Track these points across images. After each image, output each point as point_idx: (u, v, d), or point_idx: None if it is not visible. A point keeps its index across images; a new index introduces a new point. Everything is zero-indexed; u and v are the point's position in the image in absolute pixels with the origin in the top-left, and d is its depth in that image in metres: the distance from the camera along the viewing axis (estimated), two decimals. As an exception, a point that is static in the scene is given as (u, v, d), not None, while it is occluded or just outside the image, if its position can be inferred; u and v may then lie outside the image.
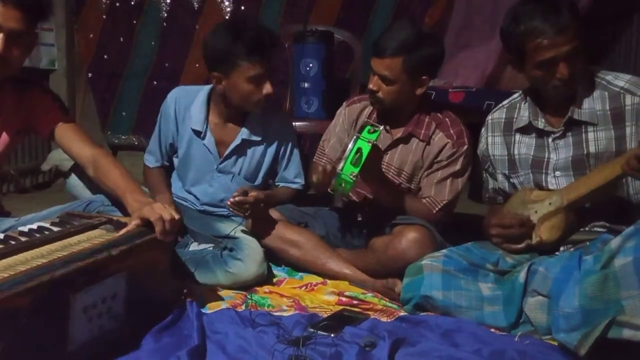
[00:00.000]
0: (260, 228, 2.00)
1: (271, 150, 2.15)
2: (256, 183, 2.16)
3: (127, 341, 1.33)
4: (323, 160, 2.17)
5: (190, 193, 2.18)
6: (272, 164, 2.18)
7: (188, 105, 2.11)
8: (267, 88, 1.97)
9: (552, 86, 1.63)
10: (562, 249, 1.68)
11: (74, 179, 1.85)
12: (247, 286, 1.88)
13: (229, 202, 1.93)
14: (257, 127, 2.10)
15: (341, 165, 1.75)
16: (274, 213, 2.06)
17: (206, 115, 2.10)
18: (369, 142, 1.75)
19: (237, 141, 2.10)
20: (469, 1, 3.59)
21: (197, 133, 2.10)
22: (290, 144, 2.19)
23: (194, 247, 2.06)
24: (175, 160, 2.20)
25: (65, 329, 1.17)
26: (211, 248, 2.00)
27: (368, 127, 1.78)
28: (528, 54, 1.60)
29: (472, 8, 3.56)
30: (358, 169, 1.73)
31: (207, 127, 2.09)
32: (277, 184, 2.23)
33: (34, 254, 1.25)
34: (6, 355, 1.03)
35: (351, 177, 1.73)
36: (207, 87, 2.13)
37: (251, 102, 2.01)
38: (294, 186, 2.23)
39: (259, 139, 2.11)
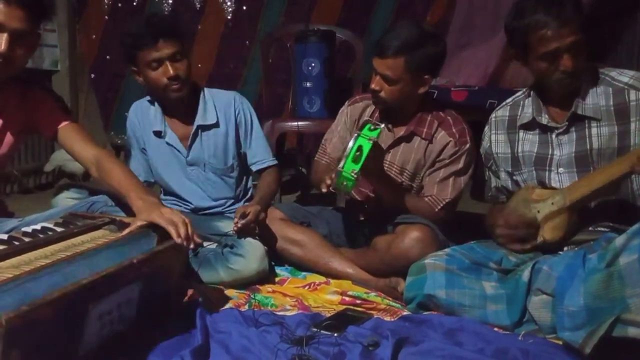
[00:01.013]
0: (264, 230, 2.01)
1: (230, 129, 2.15)
2: (228, 165, 2.16)
3: (132, 341, 1.33)
4: (324, 159, 2.17)
5: (180, 198, 2.18)
6: (236, 144, 2.17)
7: (147, 112, 2.14)
8: (167, 71, 1.97)
9: (556, 79, 1.62)
10: (565, 248, 1.67)
11: (60, 199, 1.87)
12: (249, 283, 1.88)
13: (234, 230, 1.93)
14: (209, 110, 2.11)
15: (342, 163, 1.75)
16: (276, 212, 2.07)
17: (162, 115, 2.12)
18: (369, 139, 1.75)
19: (193, 129, 2.10)
20: (470, 0, 3.59)
21: (159, 134, 2.12)
22: (247, 120, 2.18)
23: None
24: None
25: (79, 336, 1.16)
26: (212, 246, 2.00)
27: (369, 125, 1.78)
28: (532, 46, 1.61)
29: (473, 6, 3.56)
30: (359, 166, 1.73)
31: (165, 125, 2.12)
32: (251, 167, 2.20)
33: (37, 255, 1.25)
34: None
35: (352, 174, 1.73)
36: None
37: (161, 88, 2.02)
38: (268, 163, 2.18)
39: (213, 121, 2.12)
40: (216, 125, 2.13)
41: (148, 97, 2.17)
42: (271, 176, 2.19)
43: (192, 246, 1.44)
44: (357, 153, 1.73)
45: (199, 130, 2.11)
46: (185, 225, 1.42)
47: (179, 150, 2.13)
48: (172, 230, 1.39)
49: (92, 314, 1.16)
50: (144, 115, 2.15)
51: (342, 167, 1.73)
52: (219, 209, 2.18)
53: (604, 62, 1.97)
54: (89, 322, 1.16)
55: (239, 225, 1.90)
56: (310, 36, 2.86)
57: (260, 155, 2.19)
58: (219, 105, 2.14)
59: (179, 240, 1.39)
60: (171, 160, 2.14)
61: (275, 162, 2.22)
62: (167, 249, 1.38)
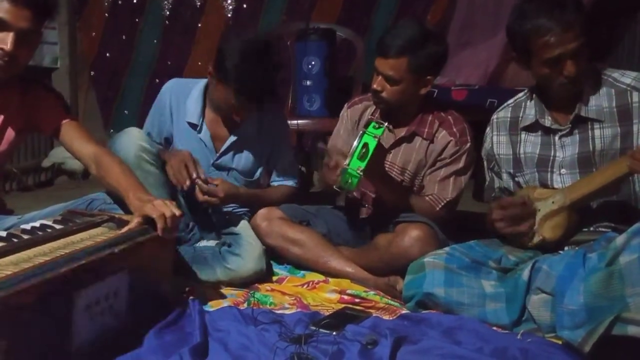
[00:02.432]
0: (263, 227, 2.01)
1: (266, 147, 2.13)
2: (254, 178, 2.14)
3: (129, 338, 1.33)
4: (332, 163, 2.16)
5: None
6: (267, 161, 2.16)
7: (184, 98, 2.07)
8: (239, 115, 1.96)
9: (558, 84, 1.62)
10: (566, 248, 1.67)
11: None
12: (246, 282, 1.88)
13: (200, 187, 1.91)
14: (252, 123, 2.08)
15: (348, 160, 1.74)
16: (276, 212, 2.06)
17: (202, 109, 2.07)
18: (375, 137, 1.74)
19: (232, 137, 2.07)
20: (471, -2, 3.58)
21: (194, 126, 2.07)
22: (282, 143, 2.17)
23: (204, 243, 2.05)
24: None
25: (68, 327, 1.17)
26: (211, 244, 2.00)
27: (373, 123, 1.78)
28: (535, 51, 1.60)
29: (474, 5, 3.55)
30: (365, 163, 1.72)
31: (203, 121, 2.07)
32: (272, 183, 2.20)
33: (36, 252, 1.25)
34: (9, 353, 1.03)
35: (358, 171, 1.73)
36: (204, 81, 2.09)
37: (221, 112, 2.01)
38: (288, 184, 2.19)
39: (253, 135, 2.09)
40: (255, 139, 2.09)
41: (192, 82, 2.11)
42: (284, 191, 2.18)
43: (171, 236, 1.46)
44: (363, 150, 1.73)
45: (237, 140, 2.07)
46: (173, 218, 1.43)
47: (208, 149, 2.08)
48: (160, 222, 1.42)
49: (78, 304, 1.18)
50: (182, 101, 2.07)
51: (348, 164, 1.73)
52: (229, 209, 2.14)
53: (605, 62, 1.97)
54: (75, 312, 1.18)
55: (205, 188, 1.90)
56: (310, 34, 2.86)
57: (282, 175, 2.19)
58: (262, 119, 2.09)
59: (161, 234, 1.41)
60: (197, 155, 2.04)
61: (296, 185, 2.20)
62: (148, 240, 1.40)
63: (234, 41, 1.93)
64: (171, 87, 2.12)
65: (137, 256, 1.36)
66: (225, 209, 2.13)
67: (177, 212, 1.46)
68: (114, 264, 1.28)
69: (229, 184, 2.00)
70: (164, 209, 1.44)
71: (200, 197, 1.93)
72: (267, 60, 1.91)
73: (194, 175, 1.90)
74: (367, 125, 1.79)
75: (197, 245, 2.04)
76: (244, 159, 2.10)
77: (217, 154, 2.09)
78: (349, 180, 1.74)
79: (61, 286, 1.14)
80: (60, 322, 1.16)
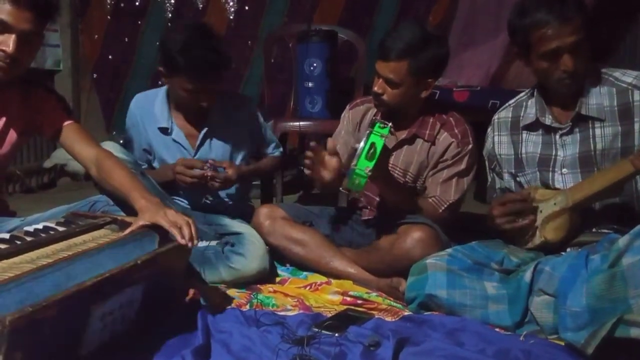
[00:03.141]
0: (266, 226, 2.03)
1: (241, 133, 2.17)
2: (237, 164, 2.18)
3: (133, 340, 1.33)
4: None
5: (180, 193, 2.17)
6: (246, 145, 2.20)
7: (150, 107, 2.12)
8: (203, 101, 2.00)
9: (556, 78, 1.62)
10: (568, 250, 1.67)
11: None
12: (250, 282, 1.88)
13: (207, 170, 2.00)
14: (218, 111, 2.11)
15: (355, 161, 1.73)
16: (279, 212, 2.07)
17: (169, 112, 2.11)
18: (382, 136, 1.74)
19: (204, 130, 2.10)
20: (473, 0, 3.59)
21: (164, 130, 2.10)
22: (257, 124, 2.23)
23: (203, 244, 2.06)
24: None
25: (81, 336, 1.16)
26: (213, 244, 2.00)
27: (379, 123, 1.78)
28: (533, 45, 1.61)
29: (476, 6, 3.56)
30: (373, 163, 1.72)
31: (172, 122, 2.11)
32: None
33: (39, 254, 1.25)
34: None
35: (366, 171, 1.72)
36: (164, 87, 2.14)
37: (184, 105, 2.06)
38: (276, 154, 2.33)
39: (223, 123, 2.13)
40: (227, 127, 2.13)
41: (154, 91, 2.16)
42: (274, 160, 2.32)
43: (195, 244, 1.45)
44: (370, 150, 1.73)
45: (209, 131, 2.11)
46: (188, 226, 1.42)
47: (185, 148, 2.11)
48: (175, 232, 1.40)
49: (95, 314, 1.16)
50: (149, 110, 2.12)
51: (356, 165, 1.73)
52: (220, 207, 2.18)
53: (606, 62, 1.97)
54: (91, 322, 1.16)
55: (208, 174, 2.00)
56: (312, 36, 2.86)
57: (269, 151, 2.31)
58: (230, 107, 2.14)
59: (182, 242, 1.39)
60: (176, 156, 2.11)
61: (282, 154, 2.36)
62: (170, 250, 1.38)
63: (169, 34, 2.03)
64: (136, 102, 2.18)
65: (156, 267, 1.33)
66: (222, 208, 2.16)
67: (190, 219, 1.44)
68: (134, 276, 1.26)
69: (234, 165, 2.09)
70: (177, 218, 1.43)
71: (215, 185, 2.02)
72: (205, 35, 1.96)
73: (205, 172, 2.00)
74: (372, 125, 1.78)
75: (198, 246, 2.04)
76: (222, 147, 2.14)
77: (195, 150, 2.12)
78: (357, 181, 1.73)
79: (83, 299, 1.11)
80: (74, 332, 1.14)
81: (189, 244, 1.40)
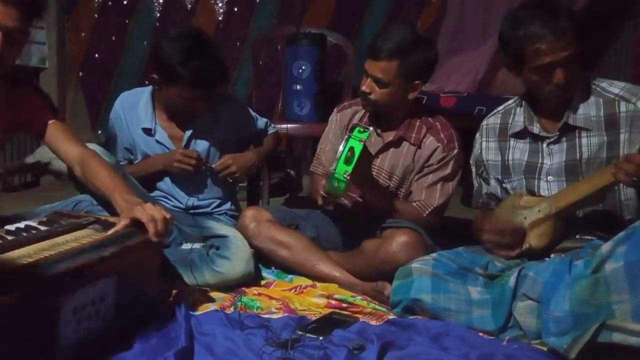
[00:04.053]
0: (251, 228, 2.02)
1: (226, 133, 2.17)
2: None
3: (114, 341, 1.32)
4: (320, 170, 2.17)
5: (167, 196, 2.16)
6: (231, 145, 2.19)
7: (135, 107, 2.11)
8: (199, 107, 2.01)
9: (548, 91, 1.64)
10: (552, 255, 1.68)
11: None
12: (235, 285, 1.87)
13: (215, 168, 2.09)
14: (206, 113, 2.11)
15: (334, 165, 1.74)
16: (264, 214, 2.06)
17: (153, 113, 2.10)
18: (360, 140, 1.75)
19: (188, 132, 2.10)
20: (461, 6, 3.61)
21: (148, 131, 2.09)
22: (245, 120, 2.26)
23: (187, 246, 2.05)
24: None
25: (53, 331, 1.15)
26: (198, 247, 1.99)
27: (358, 128, 1.78)
28: (526, 58, 1.61)
29: (464, 13, 3.58)
30: (351, 167, 1.73)
31: (156, 123, 2.10)
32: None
33: (20, 253, 1.23)
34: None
35: (345, 176, 1.73)
36: (149, 87, 2.12)
37: (178, 111, 2.06)
38: (272, 131, 2.38)
39: (210, 125, 2.12)
40: (213, 128, 2.12)
41: (140, 90, 2.15)
42: (273, 137, 2.38)
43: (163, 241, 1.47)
44: (349, 154, 1.74)
45: (194, 132, 2.10)
46: (164, 222, 1.42)
47: (168, 149, 2.10)
48: (150, 227, 1.41)
49: (65, 308, 1.16)
50: (133, 110, 2.10)
51: (334, 169, 1.73)
52: (207, 209, 2.17)
53: (592, 72, 1.99)
54: (62, 316, 1.16)
55: (219, 169, 2.08)
56: (301, 39, 2.86)
57: (266, 127, 2.36)
58: (216, 108, 2.12)
59: (154, 238, 1.40)
60: None
61: (275, 128, 2.40)
62: (138, 244, 1.38)
63: (163, 42, 1.96)
64: (121, 100, 2.17)
65: (126, 260, 1.34)
66: (205, 210, 2.15)
67: (168, 215, 1.45)
68: (102, 268, 1.26)
69: (232, 156, 2.12)
70: (154, 212, 1.43)
71: (236, 176, 2.12)
72: (204, 44, 1.96)
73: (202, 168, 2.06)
74: (352, 130, 1.79)
75: (182, 248, 2.03)
76: (206, 148, 2.13)
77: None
78: (336, 185, 1.74)
79: (47, 290, 1.12)
80: (45, 326, 1.14)
81: (154, 239, 1.40)
